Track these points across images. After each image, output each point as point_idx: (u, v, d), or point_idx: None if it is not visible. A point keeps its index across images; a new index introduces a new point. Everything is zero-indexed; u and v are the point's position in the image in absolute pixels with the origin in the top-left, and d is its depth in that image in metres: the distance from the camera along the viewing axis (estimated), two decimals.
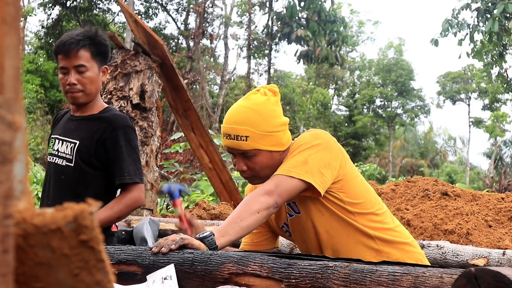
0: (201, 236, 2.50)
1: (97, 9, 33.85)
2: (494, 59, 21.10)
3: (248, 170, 2.79)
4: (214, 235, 2.51)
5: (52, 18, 33.09)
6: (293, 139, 2.92)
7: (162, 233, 5.53)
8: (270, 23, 31.30)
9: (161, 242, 2.47)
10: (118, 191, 3.49)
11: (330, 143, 2.77)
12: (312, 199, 2.75)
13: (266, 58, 33.99)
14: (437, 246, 4.55)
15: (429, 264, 2.72)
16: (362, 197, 2.83)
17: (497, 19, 16.93)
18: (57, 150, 3.46)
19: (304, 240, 2.86)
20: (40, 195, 10.22)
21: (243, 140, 2.72)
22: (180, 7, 34.62)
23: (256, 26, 34.68)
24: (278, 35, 30.90)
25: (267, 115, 2.75)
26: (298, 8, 28.10)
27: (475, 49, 18.74)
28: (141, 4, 34.37)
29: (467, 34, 18.08)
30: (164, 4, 34.61)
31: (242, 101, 2.83)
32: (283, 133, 2.80)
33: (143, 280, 2.36)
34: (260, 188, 2.67)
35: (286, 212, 2.89)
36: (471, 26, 18.01)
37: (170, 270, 2.32)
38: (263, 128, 2.72)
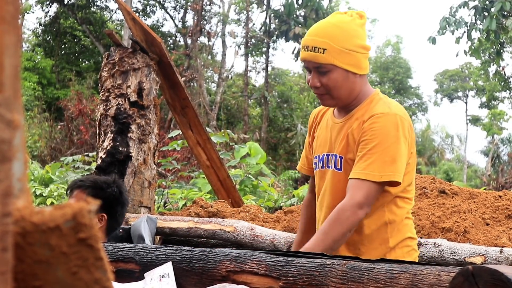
0: None
1: (95, 7, 33.81)
2: (492, 57, 21.11)
3: (321, 86, 2.72)
4: None
5: (50, 16, 33.05)
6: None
7: (159, 231, 5.54)
8: (267, 20, 31.27)
9: None
10: None
11: (410, 127, 2.74)
12: None
13: (264, 55, 33.97)
14: (435, 244, 4.56)
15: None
16: (411, 180, 2.82)
17: (494, 17, 16.93)
18: None
19: (324, 194, 2.84)
20: (37, 193, 10.19)
21: (320, 52, 2.66)
22: (177, 5, 34.59)
23: (253, 24, 34.67)
24: (276, 32, 30.87)
25: (348, 32, 2.69)
26: (295, 5, 28.09)
27: (473, 47, 18.74)
28: (139, 1, 34.35)
29: (464, 32, 18.08)
30: (161, 2, 34.57)
31: (327, 18, 2.80)
32: (363, 56, 2.74)
33: (141, 277, 2.36)
34: (350, 200, 2.58)
35: (328, 158, 2.85)
36: (468, 24, 18.01)
37: (167, 268, 2.32)
38: (342, 44, 2.67)
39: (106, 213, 3.49)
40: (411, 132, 2.74)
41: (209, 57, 34.17)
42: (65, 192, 10.29)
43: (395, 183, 2.65)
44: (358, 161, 2.64)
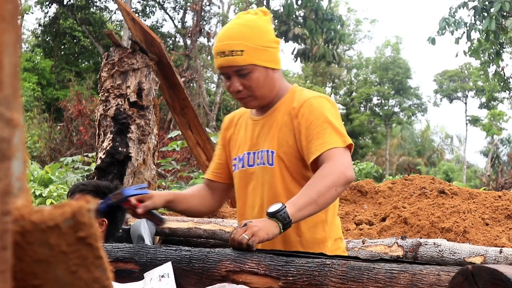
0: (272, 211, 2.38)
1: (94, 7, 33.83)
2: (491, 58, 21.09)
3: (244, 89, 2.68)
4: (286, 207, 2.38)
5: (49, 16, 33.06)
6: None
7: (159, 231, 5.54)
8: None
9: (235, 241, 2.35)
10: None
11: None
12: (305, 165, 2.67)
13: None
14: (434, 244, 4.56)
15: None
16: None
17: (494, 17, 16.93)
18: None
19: (255, 192, 2.76)
20: (37, 193, 10.19)
21: (239, 54, 2.62)
22: (177, 5, 34.60)
23: None
24: (275, 33, 30.87)
25: (260, 29, 2.68)
26: (295, 6, 28.09)
27: (472, 48, 18.74)
28: (138, 2, 34.37)
29: (464, 32, 18.07)
30: (161, 2, 34.58)
31: (233, 20, 2.76)
32: (277, 51, 2.73)
33: (140, 277, 2.36)
34: (330, 162, 2.50)
35: (255, 156, 2.79)
36: (468, 25, 18.01)
37: (167, 268, 2.32)
38: (258, 42, 2.65)
39: (107, 218, 3.48)
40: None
41: (209, 57, 34.16)
42: (64, 192, 10.29)
43: (351, 146, 2.65)
44: (314, 140, 2.58)
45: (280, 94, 2.78)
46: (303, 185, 2.58)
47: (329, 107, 2.67)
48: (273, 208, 2.38)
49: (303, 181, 2.63)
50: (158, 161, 8.01)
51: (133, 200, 2.69)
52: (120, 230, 4.17)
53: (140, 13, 33.70)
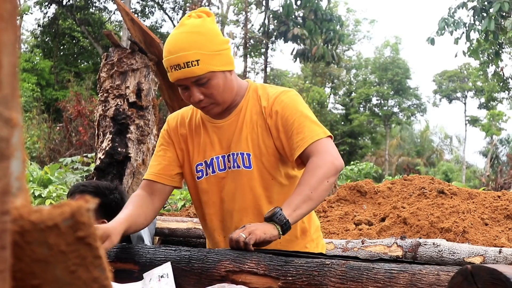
0: (268, 215, 2.38)
1: (94, 8, 33.85)
2: (490, 58, 21.11)
3: (205, 98, 2.59)
4: (281, 210, 2.37)
5: (48, 17, 33.09)
6: None
7: (158, 231, 5.54)
8: (266, 21, 31.29)
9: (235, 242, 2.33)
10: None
11: None
12: (284, 162, 2.65)
13: (263, 56, 34.01)
14: (434, 244, 4.56)
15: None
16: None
17: (493, 17, 16.94)
18: None
19: (233, 198, 2.68)
20: (36, 194, 10.19)
21: (195, 65, 2.51)
22: (176, 6, 34.63)
23: (252, 25, 34.73)
24: (275, 33, 30.88)
25: (210, 34, 2.57)
26: (294, 6, 28.11)
27: (471, 48, 18.76)
28: (138, 2, 34.39)
29: (463, 32, 18.09)
30: (160, 3, 34.59)
31: (178, 28, 2.61)
32: (229, 51, 2.64)
33: (140, 278, 2.36)
34: (316, 154, 2.46)
35: (225, 160, 2.70)
36: (467, 25, 18.03)
37: (166, 268, 2.32)
38: (211, 47, 2.54)
39: (107, 219, 3.49)
40: None
41: None
42: (64, 192, 10.29)
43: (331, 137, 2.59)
44: (294, 136, 2.53)
45: (239, 93, 2.72)
46: (284, 183, 2.61)
47: (300, 101, 2.65)
48: (269, 212, 2.38)
49: (285, 180, 2.65)
50: None
51: None
52: None
53: (139, 14, 33.72)
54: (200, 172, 2.76)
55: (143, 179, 2.89)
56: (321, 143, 2.49)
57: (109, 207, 3.48)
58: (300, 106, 2.61)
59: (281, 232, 2.35)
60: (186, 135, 2.82)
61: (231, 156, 2.68)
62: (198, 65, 2.51)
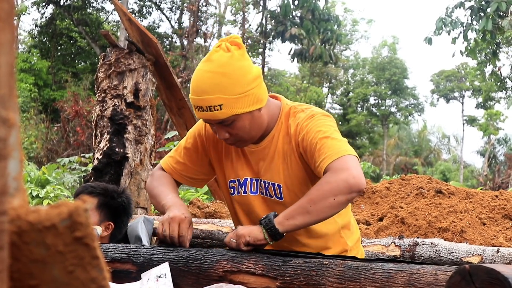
0: (262, 218, 2.37)
1: (91, 8, 33.80)
2: (488, 58, 21.14)
3: (231, 136, 2.53)
4: (273, 216, 2.34)
5: (46, 17, 33.04)
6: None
7: (156, 232, 5.53)
8: (264, 21, 31.27)
9: (234, 242, 2.35)
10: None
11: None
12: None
13: (260, 56, 33.98)
14: (431, 243, 4.56)
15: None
16: None
17: (490, 17, 16.94)
18: None
19: (254, 221, 2.60)
20: (34, 194, 10.18)
21: (217, 109, 2.42)
22: (174, 6, 34.58)
23: (250, 25, 34.67)
24: (272, 33, 30.86)
25: (236, 74, 2.44)
26: (292, 6, 28.09)
27: (469, 48, 18.75)
28: (135, 2, 34.33)
29: (460, 32, 18.09)
30: (158, 3, 34.56)
31: (205, 64, 2.49)
32: (258, 88, 2.51)
33: (138, 278, 2.36)
34: (335, 170, 2.33)
35: (258, 184, 2.64)
36: (464, 25, 18.02)
37: (164, 268, 2.31)
38: (236, 90, 2.43)
39: (114, 222, 3.48)
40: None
41: None
42: (61, 193, 10.28)
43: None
44: (318, 156, 2.42)
45: (271, 121, 2.63)
46: None
47: (323, 122, 2.52)
48: (266, 216, 2.38)
49: None
50: (155, 162, 8.00)
51: None
52: None
53: (136, 14, 33.68)
54: (233, 189, 2.72)
55: (161, 164, 2.87)
56: (341, 160, 2.35)
57: (116, 211, 3.48)
58: (323, 127, 2.48)
59: (267, 237, 2.32)
60: (222, 148, 2.76)
61: (262, 182, 2.63)
62: (221, 109, 2.43)
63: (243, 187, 2.68)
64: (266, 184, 2.61)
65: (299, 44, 29.18)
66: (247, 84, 2.46)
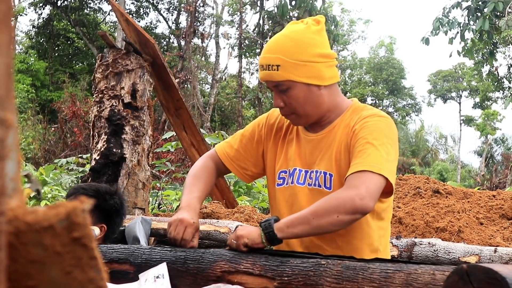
0: (263, 220, 2.35)
1: (88, 9, 33.80)
2: (485, 58, 21.17)
3: (285, 106, 2.50)
4: (274, 221, 2.33)
5: (43, 18, 33.04)
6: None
7: (154, 232, 5.53)
8: (261, 22, 31.27)
9: (233, 243, 2.34)
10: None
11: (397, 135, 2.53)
12: None
13: (257, 57, 33.98)
14: (429, 243, 4.56)
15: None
16: (390, 200, 2.61)
17: (487, 17, 16.98)
18: None
19: (292, 213, 2.51)
20: (31, 195, 10.19)
21: (274, 69, 2.44)
22: (171, 6, 34.59)
23: (247, 25, 34.67)
24: (269, 34, 30.86)
25: (302, 42, 2.45)
26: (289, 7, 28.09)
27: (466, 48, 18.79)
28: (132, 3, 34.34)
29: (457, 32, 18.13)
30: (155, 4, 34.56)
31: (282, 31, 2.54)
32: (324, 66, 2.49)
33: (136, 278, 2.36)
34: (347, 186, 2.31)
35: (307, 176, 2.59)
36: (461, 25, 18.06)
37: (162, 269, 2.31)
38: (297, 56, 2.43)
39: (106, 224, 3.47)
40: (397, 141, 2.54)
41: (203, 58, 34.17)
42: (59, 194, 10.26)
43: (388, 193, 2.42)
44: (354, 158, 2.38)
45: (337, 110, 2.59)
46: None
47: (383, 128, 2.46)
48: (266, 219, 2.37)
49: None
50: (152, 162, 8.00)
51: None
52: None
53: (134, 14, 33.68)
54: (282, 180, 2.67)
55: (216, 147, 2.84)
56: (361, 176, 2.30)
57: (108, 213, 3.47)
58: (378, 133, 2.42)
59: (264, 240, 2.31)
60: (279, 138, 2.73)
61: (314, 173, 2.57)
62: (277, 70, 2.44)
63: (291, 177, 2.63)
64: (318, 174, 2.55)
65: None
66: (311, 55, 2.47)
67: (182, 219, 2.48)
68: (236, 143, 2.80)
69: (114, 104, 6.07)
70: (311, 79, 2.47)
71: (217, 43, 33.54)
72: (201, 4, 32.09)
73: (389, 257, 2.75)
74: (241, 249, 2.31)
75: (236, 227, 2.45)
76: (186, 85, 29.88)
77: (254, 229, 2.37)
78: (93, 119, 6.19)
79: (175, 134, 7.98)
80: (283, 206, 2.66)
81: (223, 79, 35.50)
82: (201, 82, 36.62)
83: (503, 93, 33.36)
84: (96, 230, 3.32)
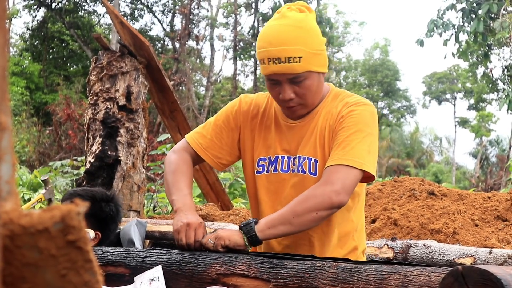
0: (243, 223, 2.38)
1: (83, 11, 33.78)
2: (479, 59, 21.18)
3: (296, 97, 2.49)
4: (255, 223, 2.36)
5: (37, 20, 33.00)
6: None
7: (149, 235, 5.52)
8: (256, 24, 31.31)
9: (211, 243, 2.37)
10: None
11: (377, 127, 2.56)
12: None
13: (252, 59, 34.00)
14: (424, 245, 4.56)
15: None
16: (363, 190, 2.69)
17: (482, 19, 17.01)
18: None
19: (282, 202, 2.55)
20: (26, 198, 10.16)
21: (297, 62, 2.39)
22: (165, 9, 34.59)
23: (242, 27, 34.71)
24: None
25: (314, 31, 2.46)
26: None
27: (461, 49, 18.83)
28: (127, 5, 34.34)
29: (452, 34, 18.16)
30: (149, 6, 34.56)
31: (279, 20, 2.47)
32: (326, 52, 2.54)
33: (131, 281, 2.36)
34: (322, 182, 2.36)
35: (290, 162, 2.60)
36: (456, 27, 18.10)
37: (157, 271, 2.31)
38: (314, 46, 2.44)
39: (101, 231, 3.44)
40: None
41: (198, 60, 34.18)
42: (55, 196, 10.24)
43: (369, 178, 2.47)
44: (335, 148, 2.42)
45: (319, 99, 2.62)
46: None
47: (369, 119, 2.50)
48: (245, 221, 2.40)
49: None
50: (147, 165, 8.00)
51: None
52: None
53: (128, 17, 33.66)
54: (261, 167, 2.67)
55: (187, 138, 2.78)
56: (340, 170, 2.37)
57: (103, 220, 3.44)
58: (367, 125, 2.46)
59: (247, 243, 2.37)
60: (256, 125, 2.71)
61: (296, 159, 2.58)
62: (299, 62, 2.41)
63: (273, 165, 2.63)
64: (301, 160, 2.56)
65: None
66: (320, 43, 2.50)
67: (189, 223, 2.47)
68: (209, 132, 2.76)
69: (109, 106, 6.06)
70: (323, 67, 2.52)
71: (212, 45, 33.58)
72: (196, 6, 32.11)
73: (365, 236, 2.82)
74: (219, 249, 2.34)
75: (214, 230, 2.47)
76: (181, 88, 29.87)
77: (235, 231, 2.40)
78: (87, 121, 6.18)
79: (170, 136, 7.97)
80: (263, 193, 2.67)
81: (218, 81, 35.52)
82: (196, 84, 36.62)
83: (497, 95, 33.41)
84: (91, 233, 3.30)
